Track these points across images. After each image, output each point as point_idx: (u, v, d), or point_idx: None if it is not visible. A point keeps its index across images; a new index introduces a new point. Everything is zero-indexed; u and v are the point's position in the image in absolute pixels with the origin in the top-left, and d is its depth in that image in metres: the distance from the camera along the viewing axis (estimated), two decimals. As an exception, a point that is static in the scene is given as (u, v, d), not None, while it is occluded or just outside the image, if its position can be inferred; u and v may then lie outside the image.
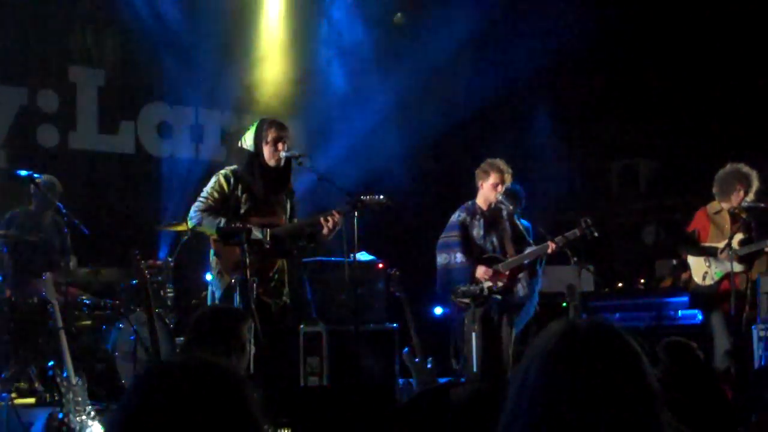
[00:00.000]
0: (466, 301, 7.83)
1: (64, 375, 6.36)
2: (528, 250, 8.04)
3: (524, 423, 1.83)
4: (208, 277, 8.47)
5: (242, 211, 6.80)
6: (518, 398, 1.86)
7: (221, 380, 1.81)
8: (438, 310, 9.39)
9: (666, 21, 11.68)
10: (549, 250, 7.87)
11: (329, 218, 6.71)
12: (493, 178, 8.04)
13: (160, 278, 8.48)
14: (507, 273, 8.01)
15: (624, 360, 1.87)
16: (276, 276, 6.91)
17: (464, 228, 8.09)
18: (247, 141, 6.90)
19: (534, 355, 1.89)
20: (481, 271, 7.93)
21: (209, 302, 6.93)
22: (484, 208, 8.15)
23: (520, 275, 8.08)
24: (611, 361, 1.85)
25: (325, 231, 6.77)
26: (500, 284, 7.94)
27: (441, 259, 8.14)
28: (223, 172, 6.95)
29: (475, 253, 8.06)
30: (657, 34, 11.79)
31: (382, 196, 6.88)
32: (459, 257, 8.01)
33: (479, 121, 11.68)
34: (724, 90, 11.45)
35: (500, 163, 8.09)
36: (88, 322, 8.16)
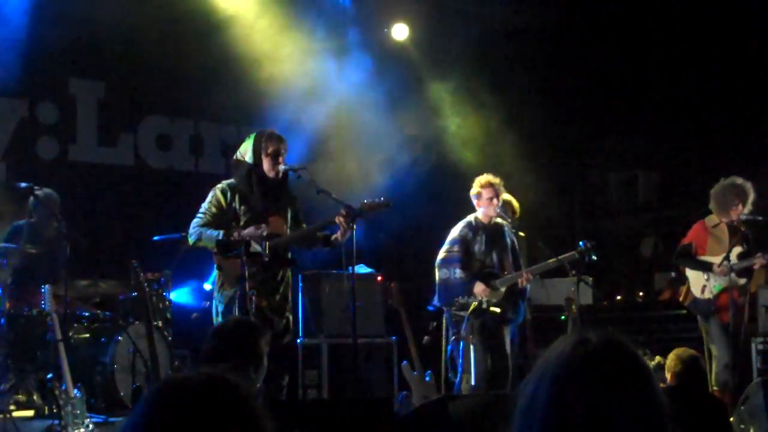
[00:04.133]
0: (463, 313, 7.86)
1: (63, 387, 6.36)
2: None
3: None
4: (207, 287, 8.47)
5: (242, 223, 6.82)
6: (527, 416, 1.85)
7: (232, 396, 1.81)
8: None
9: (666, 33, 11.70)
10: (521, 283, 8.00)
11: (340, 216, 6.71)
12: (486, 193, 8.13)
13: (159, 291, 8.47)
14: (503, 290, 8.05)
15: (636, 377, 1.85)
16: (281, 289, 6.91)
17: (465, 243, 8.14)
18: (245, 153, 6.91)
19: (544, 372, 1.87)
20: (479, 289, 7.95)
21: (213, 316, 6.93)
22: (486, 222, 8.20)
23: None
24: (623, 378, 1.84)
25: (338, 234, 6.78)
26: (496, 300, 7.97)
27: (441, 274, 8.17)
28: (219, 186, 6.96)
29: (474, 269, 8.09)
30: (657, 46, 11.81)
31: (382, 198, 6.90)
32: (458, 273, 8.04)
33: (477, 132, 11.69)
34: (724, 102, 11.47)
35: (489, 177, 8.18)
36: (87, 335, 8.15)
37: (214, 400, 1.79)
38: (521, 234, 8.72)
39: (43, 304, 7.03)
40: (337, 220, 6.74)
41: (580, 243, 8.07)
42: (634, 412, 1.81)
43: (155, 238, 8.69)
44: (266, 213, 6.91)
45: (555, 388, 1.84)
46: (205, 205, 6.89)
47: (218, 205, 6.85)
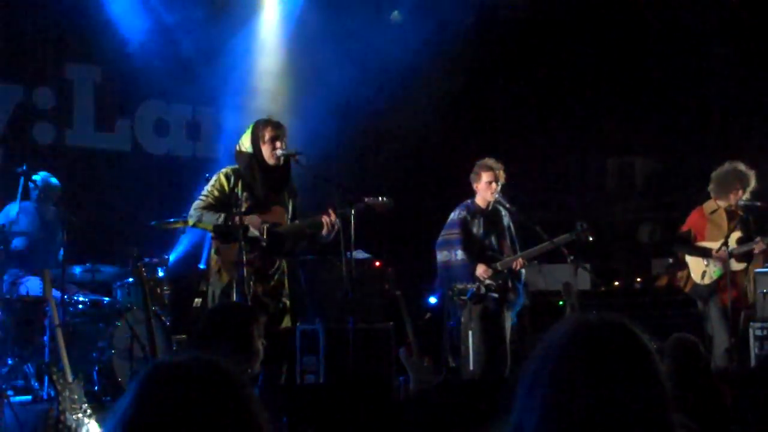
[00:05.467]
0: (464, 298, 7.87)
1: (61, 372, 6.35)
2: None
3: (535, 424, 1.82)
4: (201, 266, 8.46)
5: (243, 209, 6.80)
6: (529, 399, 1.85)
7: (223, 380, 1.81)
8: (432, 300, 9.41)
9: (664, 17, 11.69)
10: (516, 267, 7.98)
11: (327, 216, 6.72)
12: (485, 177, 8.12)
13: (156, 276, 8.46)
14: (504, 272, 8.06)
15: (637, 359, 1.85)
16: (276, 276, 6.90)
17: (465, 225, 8.15)
18: (245, 143, 6.91)
19: (546, 354, 1.87)
20: (481, 270, 7.97)
21: (209, 300, 6.92)
22: (483, 207, 8.20)
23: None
24: (624, 360, 1.83)
25: (324, 231, 6.77)
26: (499, 282, 7.99)
27: (441, 256, 8.18)
28: (223, 170, 6.96)
29: (475, 251, 8.10)
30: (655, 31, 11.79)
31: (385, 198, 6.90)
32: (459, 254, 8.06)
33: (475, 118, 11.69)
34: (722, 88, 11.46)
35: (489, 161, 8.18)
36: (85, 320, 8.14)
37: (203, 383, 1.78)
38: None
39: (41, 289, 7.03)
40: (323, 220, 6.74)
41: (577, 225, 8.06)
42: (636, 393, 1.81)
43: (152, 222, 8.68)
44: (268, 202, 6.90)
45: (557, 369, 1.84)
46: (207, 188, 6.89)
47: (221, 189, 6.84)
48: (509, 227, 8.32)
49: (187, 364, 1.82)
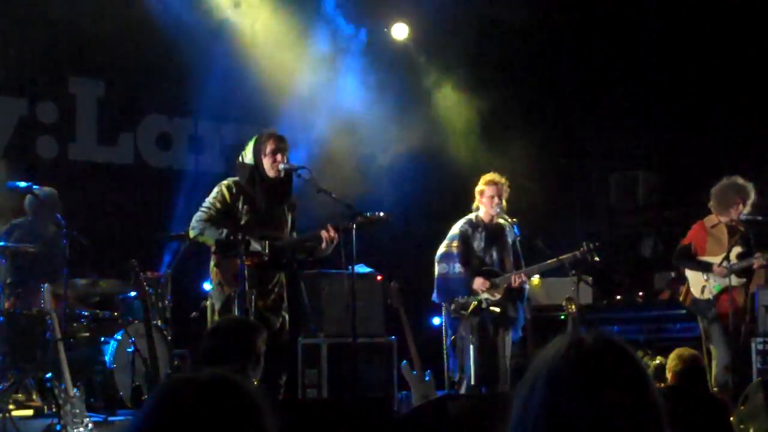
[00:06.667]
0: (465, 313, 7.85)
1: (62, 386, 6.36)
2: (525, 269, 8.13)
3: None
4: (207, 286, 8.48)
5: (243, 222, 6.81)
6: (523, 416, 1.85)
7: (241, 398, 1.81)
8: (436, 320, 9.39)
9: (667, 31, 11.71)
10: (514, 282, 7.96)
11: (327, 232, 6.74)
12: (488, 191, 8.12)
13: (158, 290, 8.46)
14: (504, 287, 8.04)
15: (631, 377, 1.85)
16: (276, 289, 6.92)
17: (465, 239, 8.14)
18: (247, 155, 6.93)
19: (538, 372, 1.87)
20: (478, 283, 7.97)
21: (209, 314, 6.93)
22: (486, 221, 8.20)
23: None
24: (618, 378, 1.83)
25: (323, 245, 6.80)
26: (497, 296, 7.98)
27: (440, 268, 8.19)
28: (225, 182, 6.97)
29: (474, 265, 8.10)
30: (657, 44, 11.81)
31: (382, 213, 6.92)
32: (457, 267, 8.06)
33: (476, 131, 11.70)
34: (725, 102, 11.46)
35: (493, 175, 8.17)
36: (87, 334, 8.14)
37: (219, 400, 1.78)
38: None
39: (42, 302, 7.03)
40: (323, 235, 6.77)
41: (583, 244, 8.04)
42: (629, 413, 1.81)
43: (155, 235, 8.68)
44: (268, 214, 6.91)
45: (549, 389, 1.83)
46: (209, 200, 6.89)
47: (223, 201, 6.86)
48: (514, 243, 8.28)
49: (201, 380, 1.82)
